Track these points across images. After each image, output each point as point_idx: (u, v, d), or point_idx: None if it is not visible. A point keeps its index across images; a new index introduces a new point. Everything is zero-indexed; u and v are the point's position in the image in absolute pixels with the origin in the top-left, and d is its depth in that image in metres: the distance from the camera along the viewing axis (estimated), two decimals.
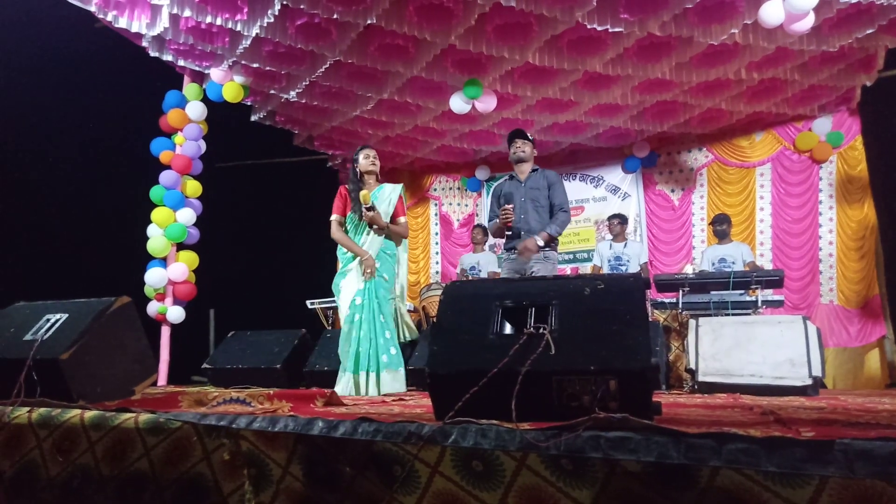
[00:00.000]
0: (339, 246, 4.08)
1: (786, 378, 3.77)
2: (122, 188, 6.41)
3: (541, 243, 4.05)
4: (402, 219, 4.09)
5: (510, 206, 4.09)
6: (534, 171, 4.30)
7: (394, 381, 3.78)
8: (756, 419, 1.81)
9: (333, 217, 4.06)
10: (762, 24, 4.69)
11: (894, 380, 6.43)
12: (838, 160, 7.03)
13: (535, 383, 1.52)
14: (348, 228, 4.05)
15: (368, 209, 3.85)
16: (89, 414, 1.81)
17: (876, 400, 3.28)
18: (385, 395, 3.69)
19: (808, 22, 4.59)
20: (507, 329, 1.69)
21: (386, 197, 4.04)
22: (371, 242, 3.96)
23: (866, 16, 5.06)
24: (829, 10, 4.81)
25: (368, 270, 3.87)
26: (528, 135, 4.36)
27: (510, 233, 4.18)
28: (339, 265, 4.12)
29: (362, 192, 3.87)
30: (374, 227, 3.92)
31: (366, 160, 4.07)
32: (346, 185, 4.11)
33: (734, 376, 3.94)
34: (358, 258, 3.93)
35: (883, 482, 1.10)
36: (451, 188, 8.99)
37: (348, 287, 3.96)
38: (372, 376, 3.77)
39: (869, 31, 5.18)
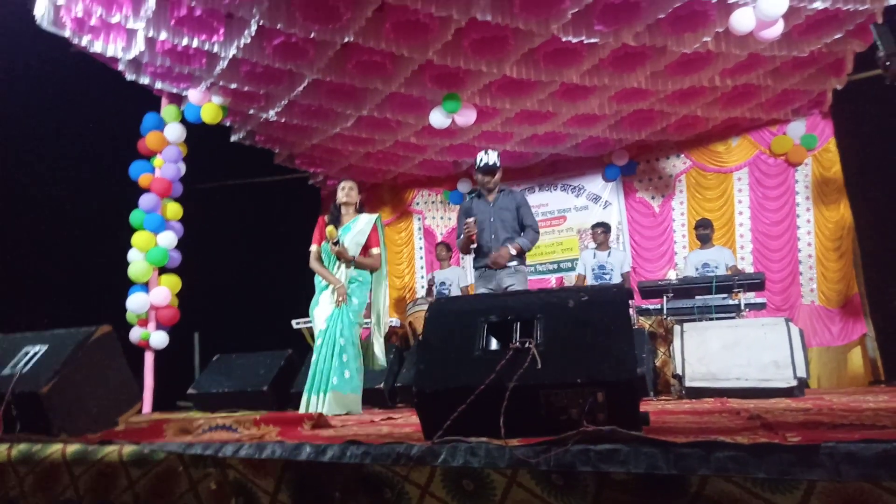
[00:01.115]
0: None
1: (771, 380, 3.81)
2: (100, 213, 6.34)
3: (513, 252, 4.15)
4: (374, 250, 4.20)
5: (471, 219, 4.16)
6: (501, 191, 4.37)
7: (340, 403, 3.80)
8: (743, 424, 1.82)
9: (312, 248, 4.23)
10: (733, 31, 4.78)
11: (877, 377, 6.50)
12: (813, 163, 7.14)
13: (522, 398, 1.52)
14: (323, 257, 4.19)
15: (334, 244, 4.01)
16: (71, 448, 1.78)
17: (860, 398, 3.32)
18: (332, 416, 3.69)
19: (778, 28, 4.68)
20: (493, 344, 1.69)
21: (359, 229, 4.17)
22: (342, 271, 4.11)
23: (834, 21, 5.18)
24: (798, 16, 4.91)
25: (339, 298, 4.01)
26: (496, 163, 4.30)
27: (474, 247, 4.25)
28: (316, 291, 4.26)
29: (328, 228, 4.04)
30: (342, 259, 4.07)
31: (340, 192, 4.25)
32: (325, 217, 4.28)
33: (721, 380, 3.97)
34: (331, 286, 4.07)
35: (869, 483, 1.11)
36: (433, 202, 9.00)
37: (320, 314, 4.08)
38: (321, 397, 3.80)
39: (837, 36, 5.30)
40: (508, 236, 4.23)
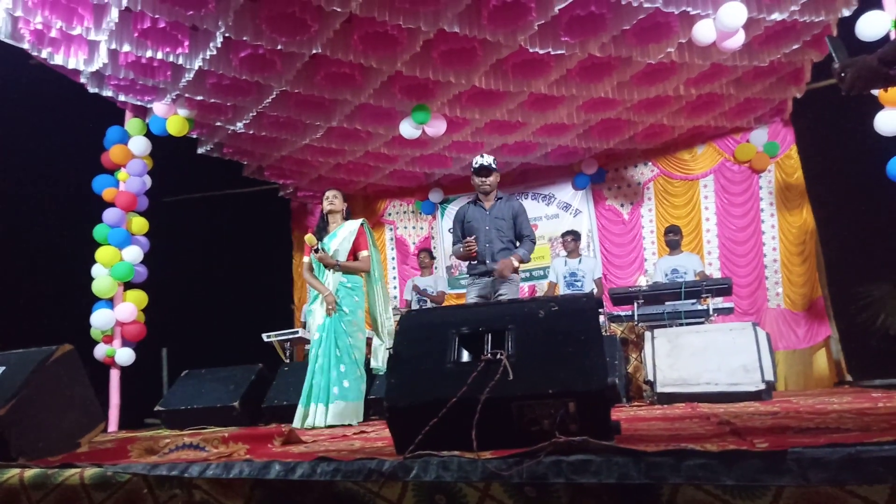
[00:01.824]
0: None
1: (740, 384, 3.87)
2: (63, 228, 6.19)
3: (516, 264, 4.14)
4: (362, 252, 4.23)
5: (473, 237, 4.15)
6: (498, 198, 4.35)
7: (343, 413, 3.86)
8: (713, 430, 1.84)
9: (304, 259, 4.32)
10: (696, 42, 4.89)
11: (841, 378, 6.65)
12: (776, 169, 7.32)
13: (494, 410, 1.51)
14: (314, 268, 4.24)
15: (315, 251, 4.09)
16: (29, 472, 1.71)
17: (825, 400, 3.39)
18: (332, 425, 3.77)
19: (739, 38, 4.80)
20: (465, 357, 1.68)
21: (345, 234, 4.21)
22: (331, 278, 4.15)
23: (792, 32, 5.33)
24: (758, 27, 5.05)
25: (329, 307, 4.04)
26: (494, 165, 4.29)
27: (475, 261, 4.26)
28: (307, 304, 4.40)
29: (307, 237, 4.15)
30: (326, 265, 4.14)
31: (325, 202, 4.30)
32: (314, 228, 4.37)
33: (691, 385, 4.02)
34: (321, 296, 4.12)
35: (834, 488, 1.13)
36: (405, 212, 8.99)
37: (313, 324, 4.16)
38: (321, 408, 3.86)
39: (795, 47, 5.46)
40: (504, 246, 4.19)
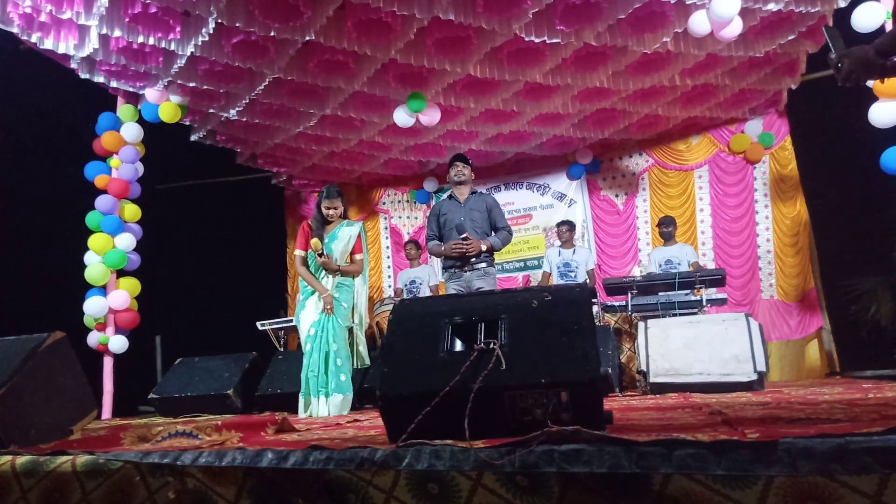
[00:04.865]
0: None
1: (733, 374, 3.89)
2: (55, 215, 6.15)
3: (483, 248, 4.22)
4: (357, 256, 4.32)
5: (464, 234, 4.21)
6: (473, 193, 4.47)
7: (342, 405, 3.96)
8: (705, 420, 1.85)
9: (297, 252, 4.31)
10: (692, 32, 4.87)
11: (833, 369, 6.70)
12: (770, 160, 7.32)
13: (487, 400, 1.51)
14: (309, 263, 4.27)
15: (319, 255, 4.12)
16: (21, 459, 1.71)
17: (817, 391, 3.41)
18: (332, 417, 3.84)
19: (736, 28, 4.78)
20: (458, 346, 1.68)
21: (344, 237, 4.27)
22: (330, 278, 4.22)
23: (787, 23, 5.32)
24: (754, 17, 5.03)
25: (328, 306, 4.10)
26: (468, 159, 4.52)
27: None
28: (300, 295, 4.34)
29: (313, 241, 4.13)
30: (328, 269, 4.19)
31: (326, 210, 4.26)
32: (310, 222, 4.33)
33: (684, 375, 4.04)
34: (317, 293, 4.16)
35: (824, 478, 1.14)
36: (399, 201, 8.96)
37: (306, 318, 4.18)
38: (322, 400, 3.96)
39: (791, 38, 5.44)
40: (478, 237, 4.29)
